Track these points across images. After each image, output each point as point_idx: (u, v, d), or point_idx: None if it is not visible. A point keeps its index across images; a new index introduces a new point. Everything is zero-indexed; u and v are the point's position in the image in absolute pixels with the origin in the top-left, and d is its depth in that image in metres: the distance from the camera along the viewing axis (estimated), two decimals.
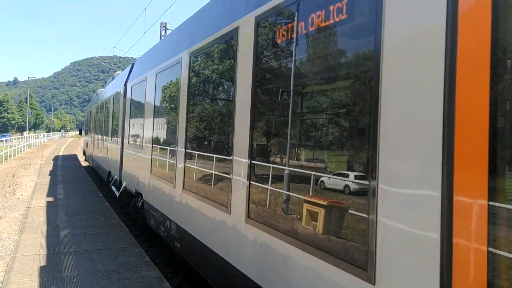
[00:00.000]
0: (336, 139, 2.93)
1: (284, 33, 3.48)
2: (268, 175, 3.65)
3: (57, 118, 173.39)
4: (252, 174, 3.84)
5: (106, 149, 14.43)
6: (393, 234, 2.29)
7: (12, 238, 7.59)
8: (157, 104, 7.55)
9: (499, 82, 1.85)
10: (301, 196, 3.17)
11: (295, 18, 3.35)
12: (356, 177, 2.85)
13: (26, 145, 39.15)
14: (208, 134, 5.31)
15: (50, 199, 11.76)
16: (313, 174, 3.06)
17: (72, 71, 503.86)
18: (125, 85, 11.14)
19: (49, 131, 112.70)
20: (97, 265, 6.11)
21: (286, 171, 3.40)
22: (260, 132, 3.84)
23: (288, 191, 3.37)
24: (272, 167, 3.60)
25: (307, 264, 2.99)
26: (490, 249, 1.82)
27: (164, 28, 26.26)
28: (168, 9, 25.46)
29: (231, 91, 4.47)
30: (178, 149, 6.05)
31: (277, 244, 3.37)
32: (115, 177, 11.91)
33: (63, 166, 22.36)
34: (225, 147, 4.64)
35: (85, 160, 26.69)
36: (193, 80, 5.74)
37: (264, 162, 3.76)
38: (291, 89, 3.43)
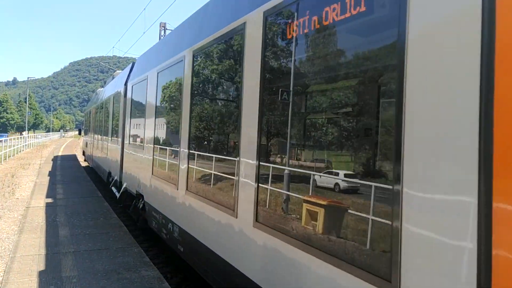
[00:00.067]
0: (355, 140, 2.74)
1: (296, 28, 3.29)
2: (278, 177, 3.47)
3: (57, 118, 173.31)
4: (261, 176, 3.66)
5: (106, 149, 14.32)
6: (420, 242, 2.11)
7: (11, 238, 7.59)
8: (159, 103, 7.39)
9: None
10: (315, 200, 2.99)
11: (308, 12, 3.14)
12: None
13: (25, 145, 39.11)
14: (213, 134, 5.15)
15: (50, 199, 11.75)
16: (326, 176, 2.92)
17: (72, 71, 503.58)
18: (126, 84, 11.03)
19: (48, 131, 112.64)
20: (97, 265, 6.11)
21: (297, 174, 3.22)
22: (270, 132, 3.67)
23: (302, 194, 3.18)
24: (282, 168, 3.42)
25: (322, 272, 2.80)
26: None
27: (163, 28, 26.27)
28: (168, 9, 25.45)
29: (237, 90, 4.31)
30: (181, 149, 5.89)
31: (289, 250, 3.19)
32: (115, 178, 11.77)
33: (63, 166, 22.35)
34: (231, 148, 4.47)
35: (85, 160, 26.67)
36: (196, 78, 5.56)
37: (273, 163, 3.57)
38: (303, 87, 3.29)
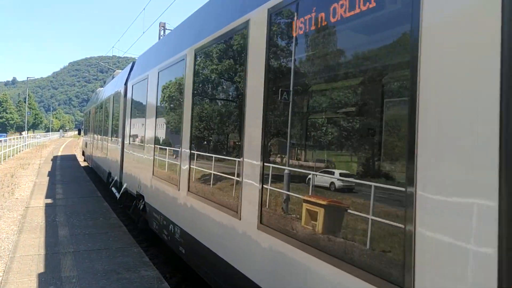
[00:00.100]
0: (366, 140, 2.61)
1: (302, 25, 3.17)
2: (283, 178, 3.36)
3: (56, 118, 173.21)
4: (265, 177, 3.56)
5: (106, 150, 14.24)
6: (435, 246, 2.01)
7: (11, 238, 7.59)
8: (160, 103, 7.28)
9: None
10: (321, 202, 2.88)
11: (314, 8, 3.03)
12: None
13: (25, 145, 39.10)
14: (215, 134, 5.05)
15: (49, 199, 11.75)
16: (330, 177, 2.84)
17: (71, 71, 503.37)
18: (126, 84, 10.94)
19: (48, 131, 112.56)
20: (96, 265, 6.11)
21: (306, 175, 3.11)
22: (274, 132, 3.57)
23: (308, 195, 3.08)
24: (288, 169, 3.31)
25: (330, 276, 2.70)
26: None
27: (163, 28, 26.28)
28: (167, 9, 25.45)
29: (240, 89, 4.22)
30: (182, 150, 5.78)
31: (295, 253, 3.08)
32: (116, 178, 11.66)
33: (62, 166, 22.34)
34: (234, 148, 4.39)
35: (84, 160, 26.66)
36: (198, 77, 5.45)
37: (278, 164, 3.47)
38: (310, 87, 3.20)
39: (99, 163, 16.51)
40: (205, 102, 5.36)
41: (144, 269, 5.99)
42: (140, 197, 8.44)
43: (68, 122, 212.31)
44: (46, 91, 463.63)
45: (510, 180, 1.73)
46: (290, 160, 3.33)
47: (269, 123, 3.57)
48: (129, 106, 10.25)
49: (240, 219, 3.96)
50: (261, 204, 3.57)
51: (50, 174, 18.25)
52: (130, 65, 11.81)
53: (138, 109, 9.14)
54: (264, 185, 3.57)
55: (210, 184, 4.91)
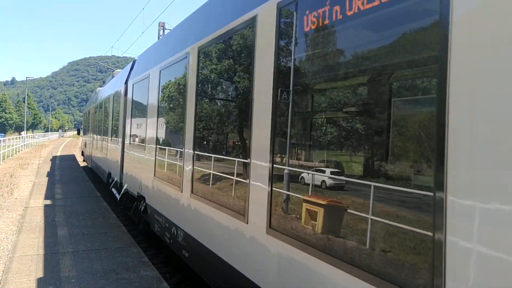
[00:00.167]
0: (387, 141, 2.41)
1: (314, 20, 2.97)
2: (294, 180, 3.19)
3: (55, 118, 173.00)
4: (275, 179, 3.39)
5: (106, 150, 14.10)
6: (468, 257, 1.83)
7: (10, 238, 7.58)
8: (161, 102, 7.09)
9: None
10: (339, 205, 2.70)
11: (328, 1, 2.83)
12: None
13: (24, 145, 39.07)
14: (219, 135, 4.88)
15: (48, 199, 11.74)
16: (352, 181, 2.64)
17: (70, 70, 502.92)
18: (126, 83, 10.79)
19: (47, 131, 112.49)
20: (95, 265, 6.10)
21: (323, 178, 2.90)
22: (284, 132, 3.38)
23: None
24: (299, 171, 3.12)
25: (348, 286, 2.53)
26: None
27: (162, 27, 26.25)
28: (167, 9, 25.43)
29: (246, 88, 4.05)
30: (185, 150, 5.60)
31: (308, 259, 2.90)
32: (116, 179, 11.50)
33: (61, 166, 22.33)
34: (240, 149, 4.23)
35: (83, 160, 26.64)
36: (202, 76, 5.26)
37: (289, 166, 3.27)
38: (323, 85, 3.04)
39: (99, 163, 16.38)
40: (209, 101, 5.20)
41: (143, 269, 5.98)
42: (141, 198, 8.30)
43: (67, 122, 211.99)
44: (45, 91, 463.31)
45: None
46: (302, 162, 3.16)
47: (279, 123, 3.40)
48: (129, 105, 10.09)
49: (247, 223, 3.80)
50: (270, 207, 3.40)
51: (49, 174, 18.24)
52: (130, 64, 11.64)
53: (139, 109, 8.98)
54: (273, 188, 3.39)
55: (214, 186, 4.74)
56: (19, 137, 42.57)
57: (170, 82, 6.77)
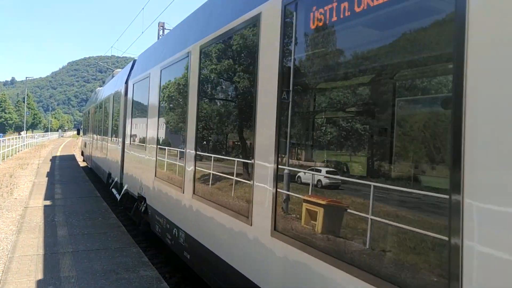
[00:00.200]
0: (400, 141, 2.29)
1: (321, 17, 2.86)
2: (300, 181, 3.09)
3: (55, 118, 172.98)
4: (279, 180, 3.29)
5: (106, 150, 14.02)
6: (487, 263, 1.74)
7: (10, 238, 7.58)
8: (162, 102, 6.99)
9: None
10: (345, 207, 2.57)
11: None
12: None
13: (24, 145, 39.06)
14: (222, 135, 4.78)
15: (48, 199, 11.74)
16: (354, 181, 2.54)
17: (70, 70, 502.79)
18: (126, 82, 10.72)
19: (46, 131, 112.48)
20: (95, 265, 6.10)
21: (327, 179, 2.82)
22: (290, 132, 3.29)
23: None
24: (305, 172, 3.03)
25: None
26: None
27: (162, 28, 26.25)
28: (166, 9, 25.43)
29: (250, 87, 3.96)
30: (187, 150, 5.50)
31: (315, 264, 2.79)
32: (116, 179, 11.41)
33: (61, 166, 22.32)
34: (244, 149, 4.14)
35: (83, 160, 26.64)
36: (204, 75, 5.17)
37: (294, 166, 3.19)
38: (330, 83, 2.95)
39: (99, 163, 16.31)
40: (211, 100, 5.11)
41: (143, 269, 5.98)
42: (141, 199, 8.23)
43: (67, 122, 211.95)
44: (45, 91, 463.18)
45: None
46: (308, 162, 3.06)
47: (284, 123, 3.31)
48: (130, 105, 10.01)
49: (251, 225, 3.71)
50: (275, 209, 3.30)
51: (49, 174, 18.23)
52: (131, 63, 11.55)
53: (140, 109, 8.90)
54: (278, 189, 3.29)
55: (217, 187, 4.65)
56: (19, 137, 42.55)
57: (171, 82, 6.68)
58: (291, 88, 3.28)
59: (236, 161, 4.29)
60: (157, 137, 7.16)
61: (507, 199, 1.69)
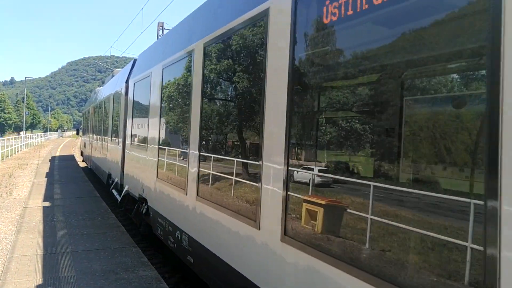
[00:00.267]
0: (425, 142, 2.12)
1: (335, 11, 2.67)
2: (312, 183, 2.95)
3: (54, 118, 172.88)
4: (290, 182, 3.14)
5: (106, 150, 13.88)
6: None
7: (9, 238, 7.57)
8: (164, 101, 6.84)
9: None
10: (366, 214, 2.38)
11: None
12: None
13: (23, 145, 39.03)
14: (227, 135, 4.63)
15: (47, 199, 11.73)
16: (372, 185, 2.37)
17: (69, 70, 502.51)
18: (127, 82, 10.57)
19: (46, 131, 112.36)
20: (94, 265, 6.10)
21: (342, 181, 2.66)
22: (301, 133, 3.14)
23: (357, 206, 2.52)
24: (319, 175, 2.87)
25: None
26: None
27: (161, 28, 26.24)
28: (165, 9, 25.43)
29: (257, 85, 3.80)
30: (190, 151, 5.36)
31: (329, 271, 2.61)
32: (116, 180, 11.22)
33: (60, 166, 22.31)
34: (250, 150, 3.99)
35: (83, 161, 26.62)
36: (208, 73, 5.02)
37: (306, 168, 3.03)
38: (345, 81, 2.78)
39: (99, 164, 16.18)
40: (215, 100, 4.98)
41: (142, 269, 5.98)
42: (142, 200, 8.09)
43: (67, 122, 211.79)
44: (44, 91, 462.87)
45: None
46: (321, 164, 2.91)
47: (295, 122, 3.16)
48: (130, 105, 9.86)
49: (259, 229, 3.55)
50: (286, 213, 3.13)
51: (48, 174, 18.22)
52: (131, 62, 11.38)
53: (141, 108, 8.75)
54: (289, 192, 3.13)
55: (221, 189, 4.51)
56: (18, 137, 42.52)
57: (173, 81, 6.52)
58: (301, 87, 3.15)
59: (242, 163, 4.15)
60: (159, 137, 7.01)
61: None
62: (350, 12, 2.55)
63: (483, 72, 1.85)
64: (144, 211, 7.85)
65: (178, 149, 6.14)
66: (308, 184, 2.98)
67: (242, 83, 4.27)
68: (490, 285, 1.70)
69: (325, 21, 2.79)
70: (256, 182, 3.66)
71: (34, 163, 23.58)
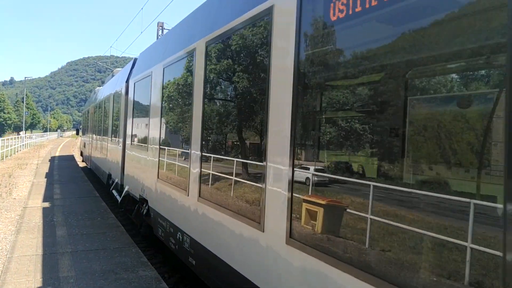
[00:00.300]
0: (447, 140, 2.01)
1: (343, 7, 2.58)
2: (319, 184, 2.85)
3: (54, 118, 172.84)
4: (296, 184, 3.06)
5: (106, 151, 13.82)
6: None
7: (9, 238, 7.57)
8: (166, 101, 6.77)
9: None
10: (379, 218, 2.25)
11: None
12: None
13: (23, 145, 39.02)
14: (230, 135, 4.55)
15: (47, 199, 11.72)
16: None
17: (69, 70, 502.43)
18: (127, 81, 10.51)
19: (45, 131, 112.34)
20: (94, 265, 6.10)
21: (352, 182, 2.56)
22: (306, 133, 3.05)
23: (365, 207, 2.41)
24: (326, 176, 2.79)
25: None
26: None
27: (161, 27, 26.23)
28: (165, 9, 25.44)
29: (261, 84, 3.70)
30: (192, 151, 5.28)
31: (338, 276, 2.51)
32: (116, 181, 11.17)
33: (60, 166, 22.30)
34: (254, 150, 3.92)
35: (82, 161, 26.61)
36: (210, 72, 4.93)
37: (313, 169, 2.95)
38: (349, 80, 2.70)
39: (99, 164, 16.12)
40: (218, 99, 4.90)
41: (142, 269, 5.98)
42: (143, 201, 8.03)
43: (66, 122, 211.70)
44: (44, 91, 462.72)
45: None
46: (329, 164, 2.82)
47: (300, 122, 3.08)
48: (131, 104, 9.79)
49: (263, 231, 3.46)
50: (291, 215, 3.04)
51: (48, 174, 18.21)
52: (131, 62, 11.30)
53: (141, 108, 8.65)
54: (294, 193, 3.04)
55: (225, 191, 4.41)
56: (18, 137, 42.50)
57: (175, 80, 6.43)
58: (307, 86, 3.06)
59: (245, 163, 4.08)
60: (160, 137, 6.95)
61: None
62: (358, 8, 2.45)
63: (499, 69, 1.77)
64: (144, 212, 7.79)
65: (179, 150, 6.08)
66: (313, 185, 2.92)
67: (245, 82, 4.19)
68: None
69: (333, 18, 2.70)
70: (260, 183, 3.57)
71: (33, 163, 23.57)
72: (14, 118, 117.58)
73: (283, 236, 3.14)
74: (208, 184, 4.81)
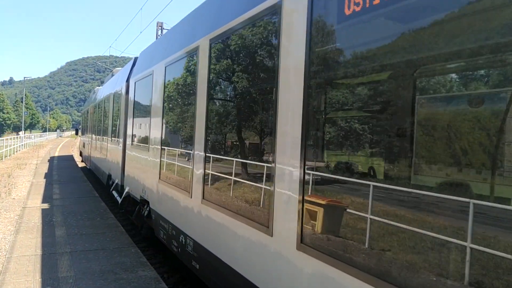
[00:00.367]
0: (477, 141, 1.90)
1: (359, 1, 2.46)
2: (331, 187, 2.74)
3: (53, 118, 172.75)
4: (307, 187, 2.92)
5: (106, 151, 13.68)
6: None
7: (8, 239, 7.56)
8: (167, 100, 6.64)
9: None
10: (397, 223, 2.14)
11: None
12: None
13: (22, 145, 38.99)
14: (235, 135, 4.41)
15: (46, 199, 11.71)
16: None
17: (68, 70, 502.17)
18: (128, 81, 10.39)
19: (45, 131, 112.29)
20: (93, 265, 6.09)
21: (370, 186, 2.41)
22: (318, 133, 2.92)
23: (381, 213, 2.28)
24: (340, 178, 2.66)
25: None
26: None
27: (160, 27, 26.23)
28: (165, 9, 25.43)
29: (268, 82, 3.57)
30: (195, 152, 5.15)
31: (353, 285, 2.39)
32: (116, 181, 11.01)
33: (59, 166, 22.28)
34: (261, 151, 3.79)
35: (82, 161, 26.59)
36: (214, 71, 4.81)
37: (324, 171, 2.81)
38: (367, 76, 2.56)
39: (98, 164, 15.97)
40: (222, 98, 4.78)
41: (141, 269, 5.97)
42: (144, 202, 7.91)
43: (66, 122, 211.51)
44: (43, 91, 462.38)
45: None
46: (343, 166, 2.71)
47: (311, 122, 2.94)
48: (131, 104, 9.65)
49: (271, 236, 3.31)
50: (302, 219, 2.90)
51: (47, 174, 18.20)
52: (131, 61, 11.15)
53: (142, 108, 8.51)
54: (305, 197, 2.90)
55: (229, 192, 4.28)
56: (17, 137, 42.46)
57: (177, 79, 6.30)
58: (318, 84, 2.93)
59: (252, 165, 3.96)
60: (162, 137, 6.79)
61: None
62: (376, 1, 2.30)
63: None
64: (145, 214, 7.69)
65: (182, 150, 5.98)
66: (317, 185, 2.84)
67: (253, 79, 4.06)
68: None
69: (347, 11, 2.55)
70: (268, 186, 3.42)
71: (33, 163, 23.55)
72: (13, 118, 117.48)
73: (294, 241, 2.99)
74: (212, 186, 4.70)
